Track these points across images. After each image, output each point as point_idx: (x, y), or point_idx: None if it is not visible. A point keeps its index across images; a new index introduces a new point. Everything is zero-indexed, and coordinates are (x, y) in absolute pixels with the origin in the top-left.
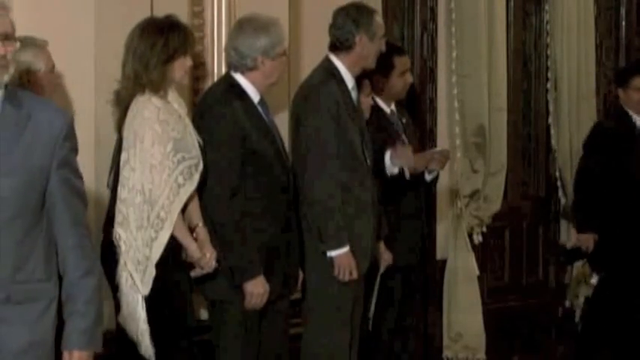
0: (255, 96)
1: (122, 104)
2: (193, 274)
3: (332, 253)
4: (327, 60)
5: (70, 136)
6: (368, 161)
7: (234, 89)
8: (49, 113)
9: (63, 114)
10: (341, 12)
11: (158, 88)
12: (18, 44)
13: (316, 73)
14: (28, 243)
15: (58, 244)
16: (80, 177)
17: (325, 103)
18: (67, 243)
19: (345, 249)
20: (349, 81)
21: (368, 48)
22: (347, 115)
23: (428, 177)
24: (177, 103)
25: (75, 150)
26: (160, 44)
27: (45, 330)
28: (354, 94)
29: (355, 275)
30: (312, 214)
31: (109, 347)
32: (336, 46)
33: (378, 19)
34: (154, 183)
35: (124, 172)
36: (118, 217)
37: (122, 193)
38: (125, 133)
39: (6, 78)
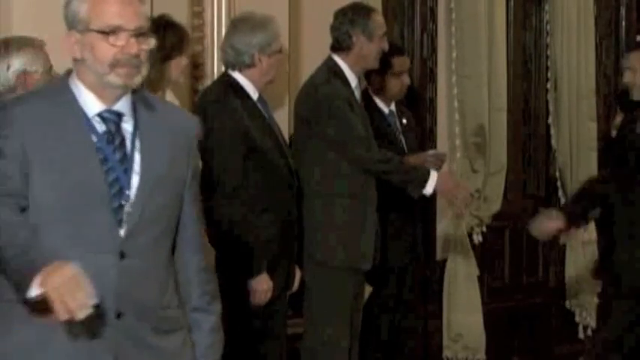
0: (253, 93)
1: None
2: None
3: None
4: (330, 59)
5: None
6: None
7: (233, 87)
8: (181, 117)
9: (193, 117)
10: (340, 12)
11: (156, 87)
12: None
13: (320, 72)
14: (169, 266)
15: (177, 266)
16: None
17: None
18: (192, 266)
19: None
20: (352, 80)
21: (367, 48)
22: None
23: None
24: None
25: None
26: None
27: None
28: (357, 93)
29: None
30: None
31: None
32: (336, 47)
33: (377, 18)
34: None
35: None
36: None
37: None
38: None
39: (138, 80)
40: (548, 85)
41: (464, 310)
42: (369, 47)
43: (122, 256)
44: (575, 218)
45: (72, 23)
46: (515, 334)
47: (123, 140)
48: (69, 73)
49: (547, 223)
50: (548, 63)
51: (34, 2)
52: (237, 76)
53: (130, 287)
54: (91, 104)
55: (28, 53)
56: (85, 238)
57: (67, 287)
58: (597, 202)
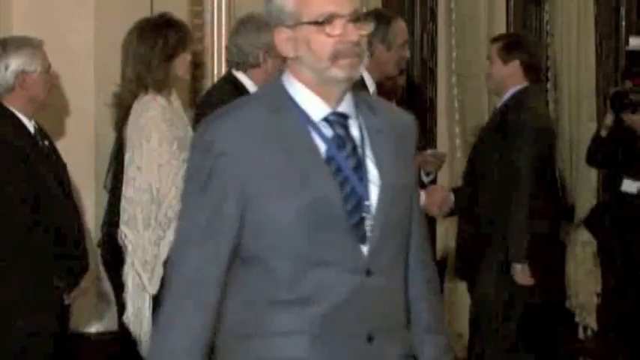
0: None
1: (123, 105)
2: None
3: None
4: None
5: None
6: None
7: (236, 88)
8: (402, 117)
9: (412, 117)
10: None
11: (162, 87)
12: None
13: None
14: (404, 283)
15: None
16: None
17: None
18: (420, 280)
19: None
20: (370, 85)
21: (385, 56)
22: None
23: (425, 179)
24: (177, 102)
25: None
26: (160, 43)
27: None
28: None
29: None
30: None
31: (110, 348)
32: None
33: (396, 26)
34: (161, 182)
35: (129, 172)
36: (124, 217)
37: (127, 192)
38: (129, 133)
39: (360, 70)
40: (548, 85)
41: (464, 310)
42: (387, 56)
43: (368, 274)
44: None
45: (278, 19)
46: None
47: (355, 146)
48: (280, 74)
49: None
50: (548, 63)
51: (34, 2)
52: (240, 76)
53: (378, 308)
54: (315, 107)
55: (27, 53)
56: (328, 258)
57: None
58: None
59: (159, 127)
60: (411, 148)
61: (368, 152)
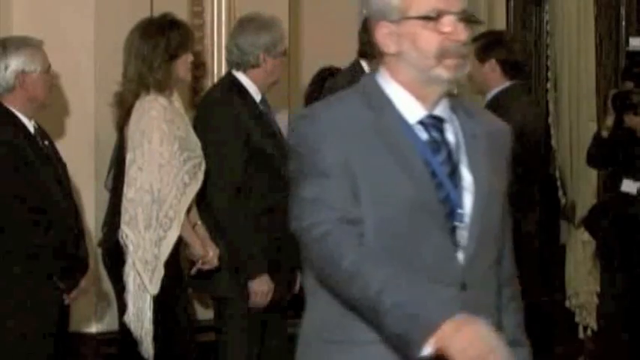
0: (256, 95)
1: (125, 105)
2: (193, 270)
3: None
4: (358, 64)
5: None
6: None
7: (236, 88)
8: (497, 124)
9: (506, 124)
10: (368, 19)
11: (164, 87)
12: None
13: (342, 77)
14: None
15: None
16: None
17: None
18: (507, 293)
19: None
20: None
21: None
22: None
23: None
24: (178, 102)
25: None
26: (163, 44)
27: None
28: None
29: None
30: None
31: (110, 348)
32: (364, 53)
33: None
34: (162, 182)
35: (131, 172)
36: (125, 217)
37: (129, 192)
38: (130, 133)
39: (463, 74)
40: (548, 85)
41: None
42: None
43: (463, 287)
44: None
45: (382, 13)
46: None
47: (450, 151)
48: (373, 73)
49: None
50: (548, 63)
51: (34, 2)
52: (240, 76)
53: None
54: (411, 108)
55: (27, 53)
56: (422, 268)
57: (478, 351)
58: None
59: (160, 128)
60: (506, 155)
61: (463, 158)
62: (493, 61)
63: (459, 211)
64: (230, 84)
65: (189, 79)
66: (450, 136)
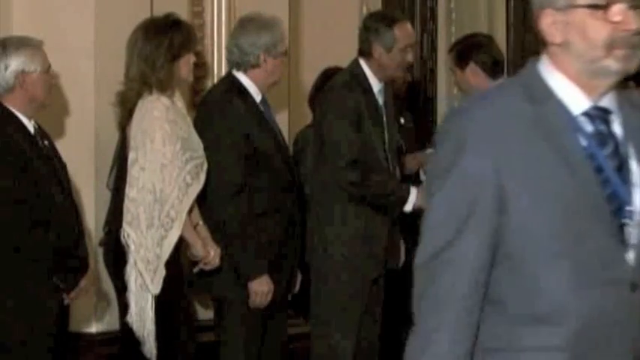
0: (256, 95)
1: (127, 105)
2: (195, 270)
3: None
4: (356, 63)
5: None
6: (390, 164)
7: (236, 88)
8: None
9: None
10: (366, 18)
11: (166, 87)
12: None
13: (341, 76)
14: None
15: None
16: None
17: (342, 109)
18: None
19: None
20: (375, 85)
21: (385, 58)
22: (368, 118)
23: (424, 178)
24: (180, 102)
25: None
26: (166, 44)
27: None
28: (380, 99)
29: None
30: None
31: (110, 348)
32: (361, 51)
33: (399, 30)
34: (164, 182)
35: (133, 172)
36: (127, 217)
37: (131, 192)
38: (132, 133)
39: (635, 65)
40: None
41: None
42: (387, 59)
43: (633, 288)
44: None
45: (548, 1)
46: None
47: (617, 144)
48: (535, 62)
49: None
50: None
51: (34, 2)
52: (241, 77)
53: None
54: (575, 100)
55: (26, 53)
56: (589, 269)
57: None
58: None
59: (163, 128)
60: None
61: (631, 151)
62: (472, 64)
63: (628, 208)
64: (230, 84)
65: (192, 79)
66: (617, 129)
